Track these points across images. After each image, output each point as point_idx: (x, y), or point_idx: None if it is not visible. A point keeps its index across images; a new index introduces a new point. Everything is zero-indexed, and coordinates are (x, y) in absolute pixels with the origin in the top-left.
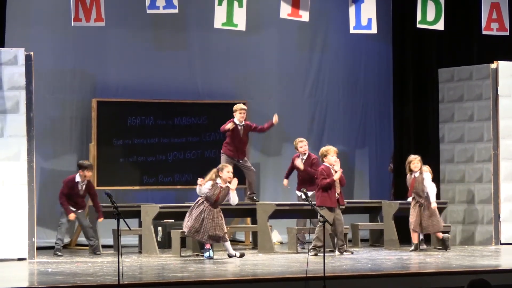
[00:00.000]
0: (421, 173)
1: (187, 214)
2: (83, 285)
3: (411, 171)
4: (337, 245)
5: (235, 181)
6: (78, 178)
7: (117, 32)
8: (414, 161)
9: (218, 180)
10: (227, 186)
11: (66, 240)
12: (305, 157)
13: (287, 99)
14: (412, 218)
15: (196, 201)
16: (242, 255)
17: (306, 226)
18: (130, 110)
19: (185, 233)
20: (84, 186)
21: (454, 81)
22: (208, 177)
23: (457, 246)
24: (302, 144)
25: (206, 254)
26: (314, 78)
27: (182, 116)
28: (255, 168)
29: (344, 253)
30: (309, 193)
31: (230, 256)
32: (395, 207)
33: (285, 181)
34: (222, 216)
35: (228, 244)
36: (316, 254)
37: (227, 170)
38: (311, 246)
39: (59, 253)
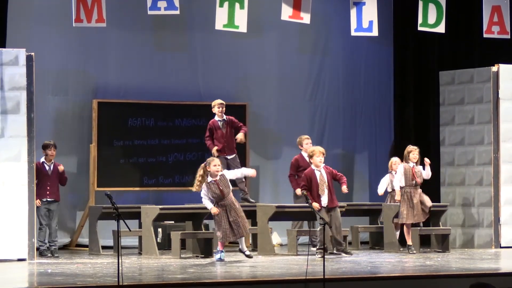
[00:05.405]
0: (417, 164)
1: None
2: (83, 286)
3: (407, 161)
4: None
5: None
6: (42, 159)
7: (118, 33)
8: (415, 151)
9: (209, 178)
10: (222, 175)
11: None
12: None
13: (287, 101)
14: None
15: None
16: (249, 256)
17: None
18: (131, 111)
19: (222, 240)
20: (51, 167)
21: (455, 84)
22: (197, 178)
23: (457, 249)
24: (308, 141)
25: (218, 256)
26: (315, 80)
27: (182, 118)
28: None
29: (342, 253)
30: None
31: (241, 251)
32: (395, 210)
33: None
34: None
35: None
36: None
37: (213, 164)
38: (317, 249)
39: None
